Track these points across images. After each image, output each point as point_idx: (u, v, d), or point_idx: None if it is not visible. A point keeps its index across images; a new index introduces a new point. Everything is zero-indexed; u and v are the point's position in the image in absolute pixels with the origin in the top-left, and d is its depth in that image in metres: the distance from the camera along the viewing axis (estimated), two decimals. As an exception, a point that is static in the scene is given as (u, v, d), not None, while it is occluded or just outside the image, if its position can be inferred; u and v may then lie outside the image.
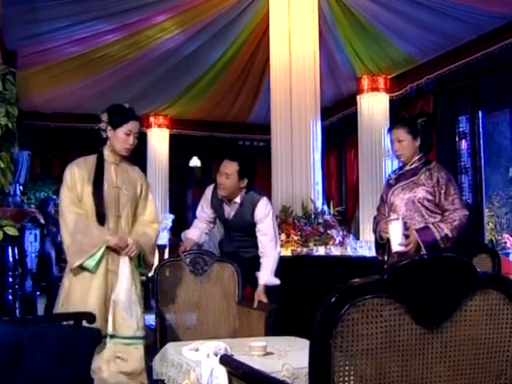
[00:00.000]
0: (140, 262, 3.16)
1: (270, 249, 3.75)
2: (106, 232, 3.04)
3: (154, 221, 3.28)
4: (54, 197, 10.74)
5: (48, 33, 7.47)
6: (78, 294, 2.99)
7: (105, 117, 3.21)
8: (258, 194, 3.84)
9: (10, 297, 5.80)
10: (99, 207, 3.06)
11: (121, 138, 3.18)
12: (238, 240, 3.93)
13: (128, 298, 2.97)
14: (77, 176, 3.09)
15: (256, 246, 3.78)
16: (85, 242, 2.98)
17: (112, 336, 2.90)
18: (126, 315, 2.94)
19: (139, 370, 2.92)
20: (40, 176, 11.01)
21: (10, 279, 5.82)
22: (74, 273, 3.01)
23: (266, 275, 3.70)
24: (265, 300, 3.57)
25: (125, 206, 3.15)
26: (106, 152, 3.23)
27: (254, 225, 3.78)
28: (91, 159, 3.21)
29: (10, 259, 5.81)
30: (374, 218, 3.75)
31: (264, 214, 3.76)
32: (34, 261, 6.18)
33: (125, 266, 3.03)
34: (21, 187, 6.38)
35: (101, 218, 3.06)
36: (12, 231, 5.45)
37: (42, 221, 6.39)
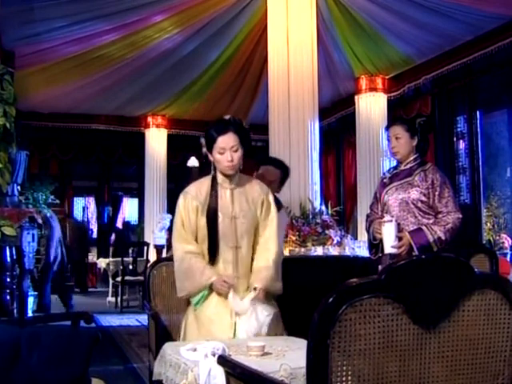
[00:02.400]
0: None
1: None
2: (209, 275, 2.85)
3: (272, 241, 3.01)
4: (52, 197, 10.76)
5: (46, 33, 7.46)
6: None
7: (203, 141, 2.98)
8: (280, 202, 3.86)
9: (8, 297, 5.80)
10: (212, 240, 2.90)
11: (217, 159, 2.91)
12: None
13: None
14: (190, 208, 2.92)
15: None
16: (186, 283, 2.90)
17: None
18: None
19: None
20: (38, 176, 10.99)
21: (8, 279, 5.82)
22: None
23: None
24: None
25: (244, 236, 2.95)
26: (219, 175, 2.97)
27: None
28: (206, 185, 2.99)
29: (8, 259, 5.81)
30: (367, 216, 3.74)
31: (282, 221, 3.82)
32: (31, 261, 6.17)
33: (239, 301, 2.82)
34: (18, 187, 6.38)
35: (213, 251, 2.91)
36: (10, 231, 5.46)
37: (40, 221, 6.38)
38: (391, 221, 3.36)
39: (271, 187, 3.66)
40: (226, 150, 2.87)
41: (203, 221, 2.91)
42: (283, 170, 3.81)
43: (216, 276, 2.85)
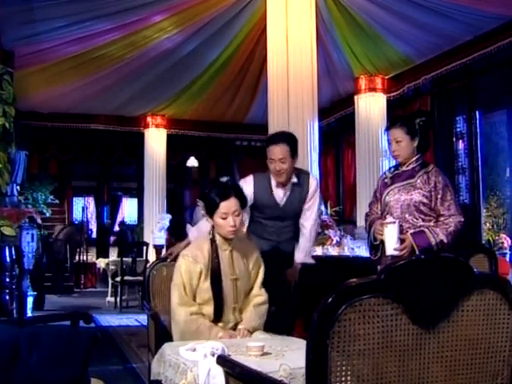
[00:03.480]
0: None
1: (311, 227, 3.75)
2: (217, 330, 2.86)
3: (257, 292, 3.05)
4: (52, 197, 10.77)
5: (45, 33, 7.45)
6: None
7: (202, 204, 2.98)
8: (303, 172, 3.82)
9: (7, 297, 5.81)
10: (218, 302, 2.89)
11: (219, 224, 2.90)
12: (280, 232, 3.75)
13: None
14: (193, 272, 2.89)
15: (295, 238, 3.75)
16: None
17: None
18: None
19: None
20: (37, 176, 11.01)
21: (7, 279, 5.82)
22: None
23: (303, 255, 3.71)
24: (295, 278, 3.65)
25: (242, 294, 2.99)
26: (218, 238, 2.96)
27: (301, 207, 3.72)
28: (206, 247, 2.96)
29: (8, 259, 5.81)
30: (366, 214, 3.71)
31: (315, 188, 3.74)
32: (31, 261, 6.18)
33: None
34: (18, 187, 6.38)
35: (219, 313, 2.91)
36: (9, 231, 5.46)
37: (39, 221, 6.39)
38: (394, 222, 3.32)
39: (286, 165, 3.58)
40: (229, 214, 2.87)
41: (206, 284, 2.90)
42: (288, 142, 3.62)
43: (222, 331, 2.87)
